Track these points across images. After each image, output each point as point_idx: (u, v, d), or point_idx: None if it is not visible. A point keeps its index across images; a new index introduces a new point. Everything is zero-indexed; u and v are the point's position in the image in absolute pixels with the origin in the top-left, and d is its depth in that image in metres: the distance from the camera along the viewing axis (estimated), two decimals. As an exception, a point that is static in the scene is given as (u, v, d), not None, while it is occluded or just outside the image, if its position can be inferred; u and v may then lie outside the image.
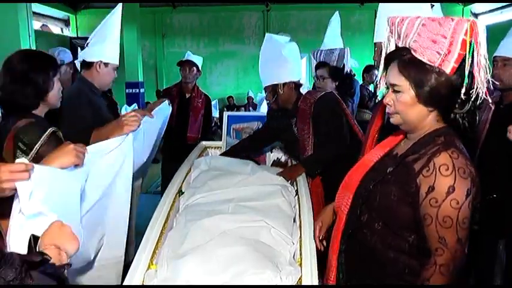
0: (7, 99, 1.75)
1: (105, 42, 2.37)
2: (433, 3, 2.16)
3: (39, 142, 1.61)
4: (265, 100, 2.98)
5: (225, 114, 3.57)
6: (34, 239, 0.99)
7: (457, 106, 1.33)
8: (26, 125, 1.66)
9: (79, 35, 10.35)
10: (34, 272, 0.83)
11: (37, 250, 0.96)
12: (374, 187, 1.41)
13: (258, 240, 1.74)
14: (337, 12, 4.00)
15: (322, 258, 1.68)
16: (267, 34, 2.80)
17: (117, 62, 2.44)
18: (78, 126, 2.08)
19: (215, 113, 8.39)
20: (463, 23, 1.26)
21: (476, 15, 9.73)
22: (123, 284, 1.47)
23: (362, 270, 1.47)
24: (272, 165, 3.06)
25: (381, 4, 2.03)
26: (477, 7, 9.69)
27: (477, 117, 1.38)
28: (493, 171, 2.12)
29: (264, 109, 8.44)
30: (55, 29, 10.18)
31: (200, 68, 4.14)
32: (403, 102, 1.36)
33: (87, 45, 2.40)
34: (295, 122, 2.76)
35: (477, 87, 1.30)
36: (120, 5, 2.37)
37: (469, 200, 1.26)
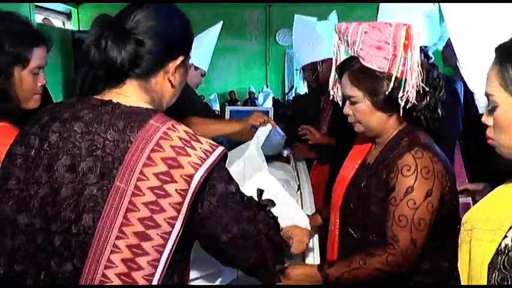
0: None
1: (201, 49, 2.63)
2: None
3: None
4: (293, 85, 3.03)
5: (227, 108, 3.60)
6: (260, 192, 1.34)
7: (416, 104, 1.34)
8: None
9: (81, 29, 10.34)
10: (262, 212, 1.13)
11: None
12: (354, 205, 1.44)
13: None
14: (334, 11, 4.01)
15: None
16: (296, 16, 2.84)
17: (206, 69, 2.75)
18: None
19: (215, 107, 8.49)
20: (401, 28, 1.28)
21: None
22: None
23: None
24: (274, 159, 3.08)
25: (381, 4, 2.05)
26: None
27: (440, 112, 1.38)
28: (496, 164, 2.13)
29: (267, 104, 8.47)
30: (57, 22, 10.17)
31: None
32: (362, 112, 1.38)
33: None
34: (324, 99, 2.77)
35: (407, 92, 1.30)
36: (221, 23, 2.77)
37: (428, 201, 1.26)
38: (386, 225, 1.31)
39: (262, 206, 1.17)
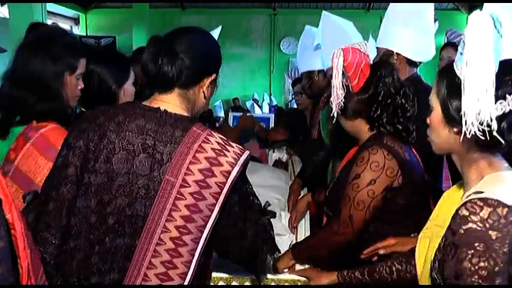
0: None
1: None
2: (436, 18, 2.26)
3: None
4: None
5: (231, 114, 3.70)
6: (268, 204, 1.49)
7: (377, 114, 1.56)
8: None
9: (88, 34, 10.50)
10: (263, 218, 1.33)
11: None
12: (331, 195, 1.70)
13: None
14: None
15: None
16: (307, 26, 2.97)
17: None
18: None
19: (220, 113, 8.61)
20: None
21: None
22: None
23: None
24: (273, 164, 3.17)
25: (391, 6, 2.14)
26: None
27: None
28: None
29: (259, 110, 8.55)
30: (65, 27, 10.34)
31: None
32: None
33: None
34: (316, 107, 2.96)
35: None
36: (220, 27, 2.80)
37: (369, 188, 1.47)
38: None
39: (265, 213, 1.36)
